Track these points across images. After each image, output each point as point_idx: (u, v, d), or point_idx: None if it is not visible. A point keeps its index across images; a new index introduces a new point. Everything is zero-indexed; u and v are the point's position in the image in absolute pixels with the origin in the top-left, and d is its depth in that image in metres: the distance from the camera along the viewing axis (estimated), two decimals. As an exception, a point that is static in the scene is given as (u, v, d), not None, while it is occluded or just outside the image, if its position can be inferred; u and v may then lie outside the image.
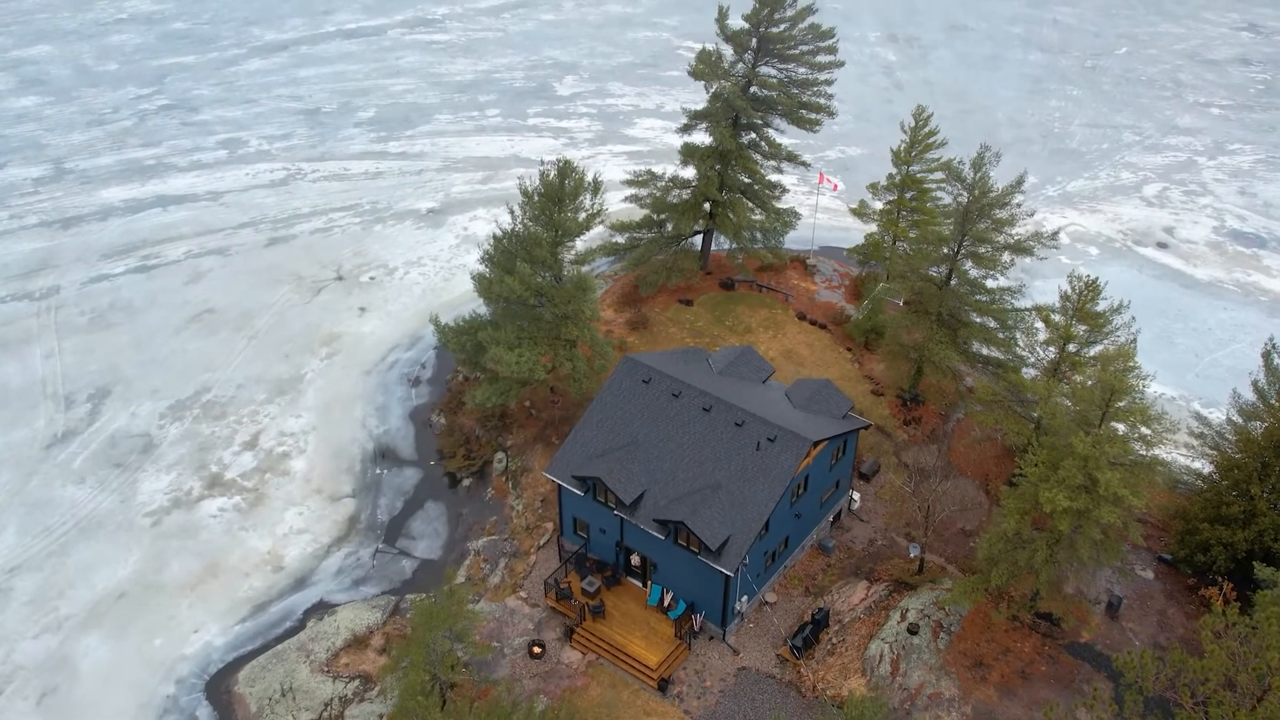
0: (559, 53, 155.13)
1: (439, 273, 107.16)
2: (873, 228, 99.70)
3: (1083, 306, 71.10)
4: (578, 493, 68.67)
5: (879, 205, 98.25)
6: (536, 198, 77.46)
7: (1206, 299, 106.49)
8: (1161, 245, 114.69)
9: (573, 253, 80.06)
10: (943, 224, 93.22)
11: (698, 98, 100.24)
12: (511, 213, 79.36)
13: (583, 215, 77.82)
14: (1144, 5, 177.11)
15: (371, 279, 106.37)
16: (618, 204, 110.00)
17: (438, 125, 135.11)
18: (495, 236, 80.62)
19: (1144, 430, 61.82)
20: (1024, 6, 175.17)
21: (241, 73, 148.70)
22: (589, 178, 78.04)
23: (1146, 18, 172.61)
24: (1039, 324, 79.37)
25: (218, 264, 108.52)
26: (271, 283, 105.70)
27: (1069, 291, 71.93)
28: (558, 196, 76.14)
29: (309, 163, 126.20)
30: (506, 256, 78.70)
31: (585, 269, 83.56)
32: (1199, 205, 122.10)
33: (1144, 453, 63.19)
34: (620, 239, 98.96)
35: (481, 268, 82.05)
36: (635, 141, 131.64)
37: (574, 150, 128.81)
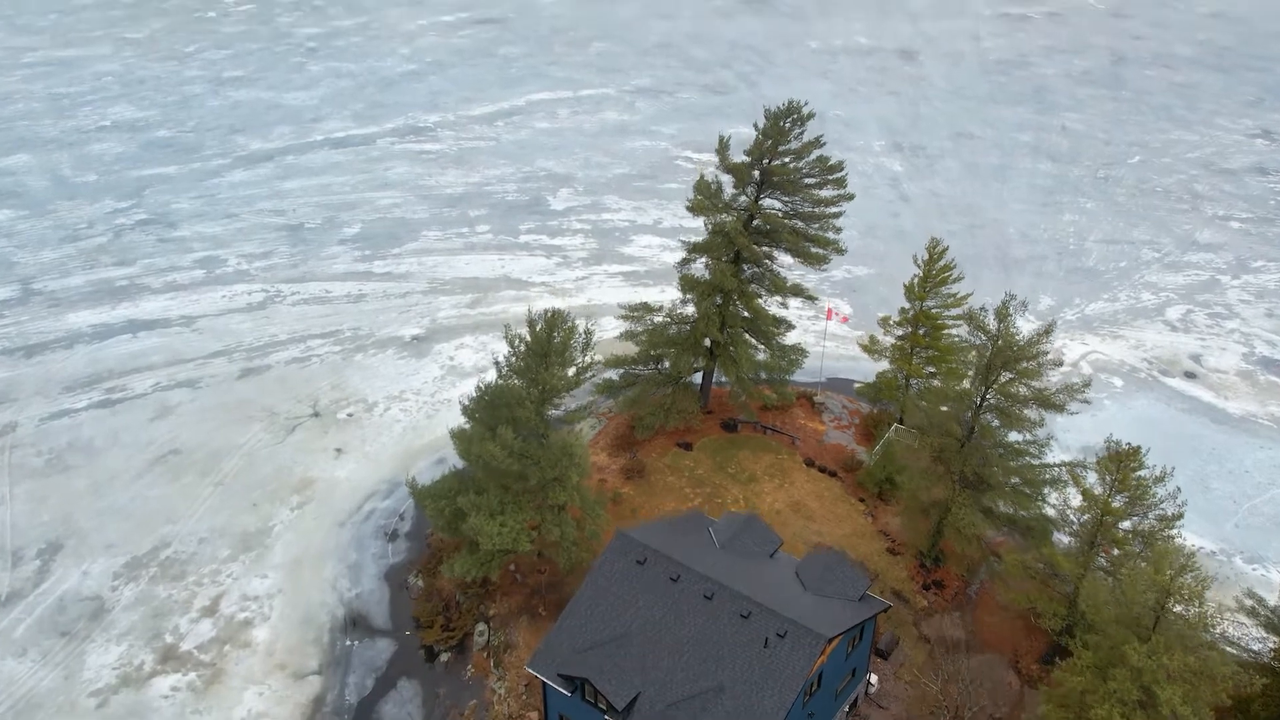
0: (553, 163, 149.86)
1: (421, 409, 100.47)
2: (884, 364, 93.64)
3: (1124, 478, 64.44)
4: (564, 692, 61.28)
5: (890, 341, 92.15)
6: (523, 348, 71.17)
7: (1241, 436, 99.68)
8: (1189, 375, 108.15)
9: (561, 409, 73.54)
10: (959, 361, 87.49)
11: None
12: (497, 364, 72.99)
13: (572, 370, 71.35)
14: (1154, 111, 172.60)
15: (349, 416, 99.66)
16: (612, 329, 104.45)
17: (425, 242, 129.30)
18: (478, 388, 74.11)
19: (1204, 635, 54.77)
20: (1031, 113, 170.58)
21: (224, 184, 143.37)
22: (580, 329, 71.74)
23: (1157, 124, 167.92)
24: (1065, 475, 73.38)
25: (186, 398, 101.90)
26: (243, 419, 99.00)
27: (1107, 459, 65.41)
28: (544, 351, 69.70)
29: (289, 284, 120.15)
30: (489, 411, 72.11)
31: (576, 424, 77.12)
32: (1225, 330, 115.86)
33: (1204, 652, 56.04)
34: (614, 375, 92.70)
35: (463, 421, 75.55)
36: (631, 260, 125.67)
37: (567, 270, 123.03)
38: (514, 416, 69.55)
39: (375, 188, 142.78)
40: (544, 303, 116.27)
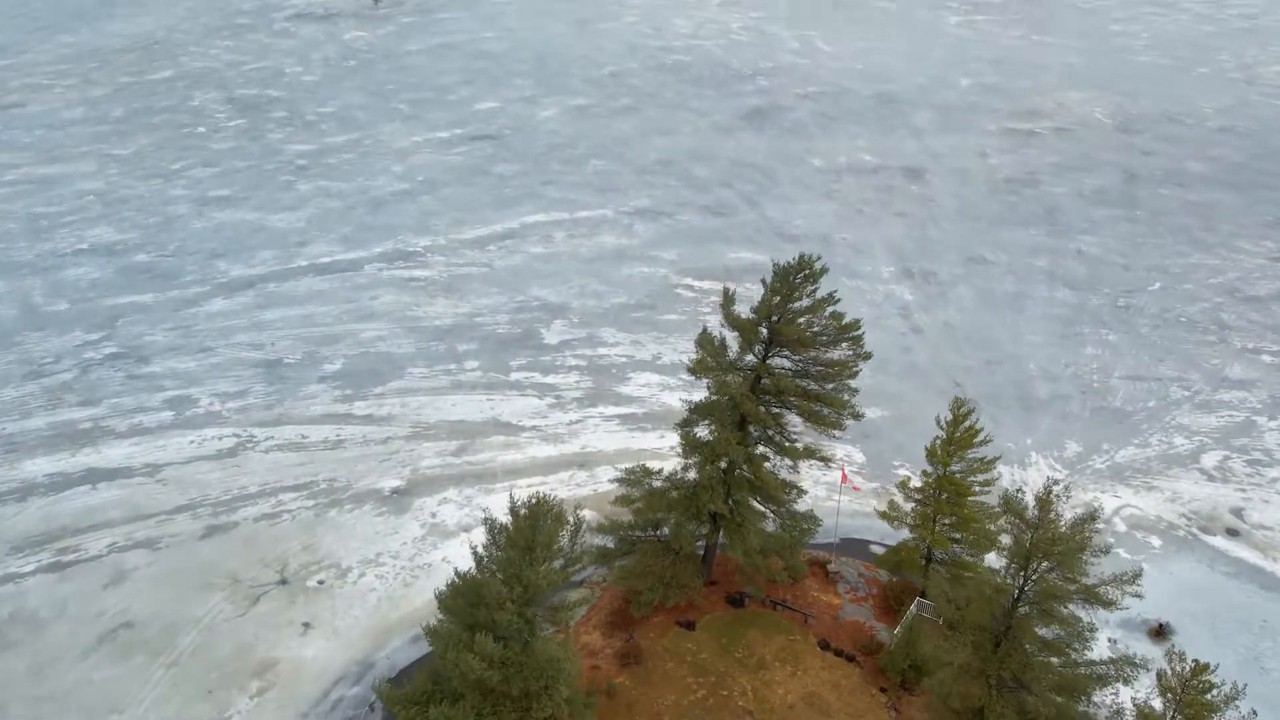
0: (547, 292, 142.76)
1: (398, 575, 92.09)
2: (904, 533, 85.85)
3: (1190, 700, 56.22)
4: None
5: (910, 507, 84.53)
6: (504, 538, 63.40)
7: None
8: (1232, 533, 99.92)
9: (547, 603, 65.51)
10: (984, 530, 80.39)
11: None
12: (475, 554, 65.19)
13: (559, 563, 63.45)
14: (1171, 233, 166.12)
15: (320, 584, 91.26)
16: (607, 483, 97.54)
17: (410, 380, 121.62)
18: (454, 578, 66.30)
19: None
20: (1044, 236, 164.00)
21: (201, 314, 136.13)
22: (569, 517, 64.09)
23: (1176, 248, 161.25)
24: (1113, 673, 65.56)
25: (144, 561, 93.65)
26: (203, 587, 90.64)
27: (1169, 675, 57.33)
28: (528, 544, 61.80)
29: (262, 428, 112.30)
30: (466, 609, 64.06)
31: (567, 618, 68.93)
32: (1267, 479, 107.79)
33: None
34: (609, 542, 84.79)
35: (438, 608, 67.56)
36: (629, 401, 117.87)
37: (560, 413, 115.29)
38: (494, 619, 61.39)
39: (360, 318, 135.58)
40: (534, 449, 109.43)
